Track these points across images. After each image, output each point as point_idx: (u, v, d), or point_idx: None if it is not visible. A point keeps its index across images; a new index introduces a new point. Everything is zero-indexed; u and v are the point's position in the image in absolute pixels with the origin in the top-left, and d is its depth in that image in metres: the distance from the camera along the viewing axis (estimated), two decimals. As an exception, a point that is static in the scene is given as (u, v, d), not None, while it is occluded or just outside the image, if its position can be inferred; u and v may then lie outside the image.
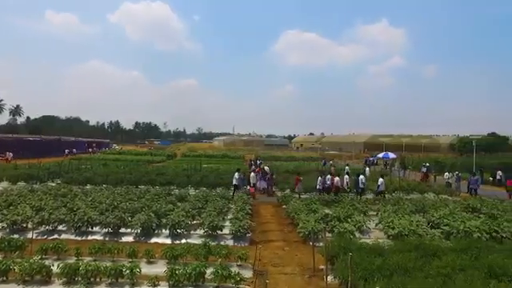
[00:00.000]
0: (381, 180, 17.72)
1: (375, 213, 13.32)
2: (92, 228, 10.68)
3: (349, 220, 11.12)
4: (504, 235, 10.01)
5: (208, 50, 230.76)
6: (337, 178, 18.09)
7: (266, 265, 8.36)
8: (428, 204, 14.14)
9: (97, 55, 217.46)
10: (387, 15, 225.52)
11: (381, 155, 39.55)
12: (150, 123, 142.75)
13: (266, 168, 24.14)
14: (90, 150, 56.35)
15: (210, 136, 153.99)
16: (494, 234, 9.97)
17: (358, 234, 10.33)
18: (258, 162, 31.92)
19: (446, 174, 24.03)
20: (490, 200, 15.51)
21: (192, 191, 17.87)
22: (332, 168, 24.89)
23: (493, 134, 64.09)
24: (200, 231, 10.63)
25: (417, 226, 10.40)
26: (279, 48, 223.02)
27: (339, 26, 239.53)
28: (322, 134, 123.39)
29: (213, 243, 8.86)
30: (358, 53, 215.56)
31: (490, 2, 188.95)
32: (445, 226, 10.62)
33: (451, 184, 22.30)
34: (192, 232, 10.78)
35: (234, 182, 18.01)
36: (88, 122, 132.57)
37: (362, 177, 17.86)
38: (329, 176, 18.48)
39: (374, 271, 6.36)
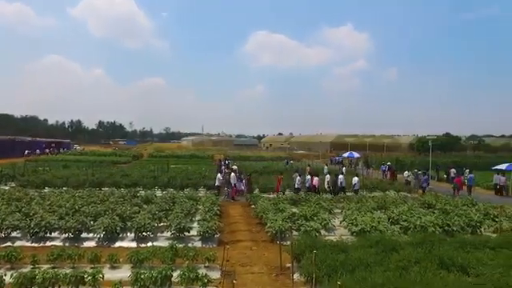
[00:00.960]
0: (356, 179, 18.64)
1: (340, 211, 13.81)
2: (50, 234, 10.13)
3: (315, 218, 11.43)
4: (455, 228, 10.81)
5: (176, 48, 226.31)
6: (316, 178, 18.59)
7: (234, 265, 8.40)
8: (389, 201, 14.88)
9: (55, 50, 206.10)
10: (352, 20, 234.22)
11: (346, 154, 40.98)
12: (115, 122, 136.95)
13: (234, 167, 24.20)
14: (48, 150, 53.08)
15: (178, 136, 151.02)
16: (446, 227, 10.73)
17: (323, 232, 10.66)
18: (227, 161, 31.86)
19: (406, 172, 25.38)
20: (443, 196, 16.64)
21: (159, 193, 17.48)
22: (308, 167, 25.46)
23: (447, 135, 68.64)
24: (167, 233, 10.44)
25: (378, 222, 10.92)
26: (249, 48, 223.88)
27: (306, 28, 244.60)
28: (291, 134, 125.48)
29: (180, 245, 8.74)
30: (325, 55, 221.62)
31: (447, 10, 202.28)
32: (403, 221, 11.25)
33: (410, 182, 23.62)
34: (159, 235, 10.57)
35: (217, 183, 17.99)
36: (46, 121, 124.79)
37: (341, 176, 18.64)
38: (308, 176, 18.93)
39: (337, 267, 6.63)
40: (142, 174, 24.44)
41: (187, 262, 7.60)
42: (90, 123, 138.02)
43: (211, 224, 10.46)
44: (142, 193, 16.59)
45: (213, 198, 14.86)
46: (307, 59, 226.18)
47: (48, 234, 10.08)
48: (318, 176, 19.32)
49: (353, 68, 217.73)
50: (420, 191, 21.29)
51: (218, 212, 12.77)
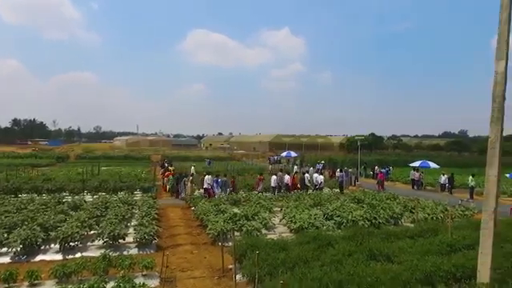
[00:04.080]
0: (321, 177, 20.10)
1: (279, 209, 14.23)
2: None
3: (256, 218, 11.60)
4: (380, 221, 11.91)
5: (109, 42, 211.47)
6: (287, 177, 19.70)
7: (174, 271, 8.09)
8: (324, 198, 15.79)
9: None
10: (289, 24, 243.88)
11: (284, 154, 42.41)
12: (35, 120, 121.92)
13: (192, 169, 24.00)
14: None
15: (110, 135, 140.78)
16: (373, 220, 11.76)
17: (264, 231, 10.86)
18: (165, 162, 30.66)
19: (338, 170, 27.22)
20: (370, 191, 18.24)
21: (89, 198, 16.09)
22: (271, 166, 26.16)
23: (372, 135, 75.32)
24: (99, 242, 9.62)
25: (315, 219, 11.51)
26: (187, 46, 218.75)
27: (247, 29, 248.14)
28: (231, 133, 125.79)
29: (114, 254, 8.13)
30: (264, 56, 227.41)
31: (374, 21, 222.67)
32: (337, 217, 12.03)
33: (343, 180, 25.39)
34: (89, 244, 9.69)
35: (205, 186, 17.41)
36: None
37: (315, 175, 20.40)
38: (287, 176, 19.89)
39: (278, 265, 6.79)
40: (69, 177, 22.27)
41: (122, 271, 7.09)
42: (3, 121, 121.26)
43: (149, 229, 9.93)
44: (69, 199, 15.09)
45: (150, 202, 14.14)
46: (247, 60, 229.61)
47: None
48: (289, 175, 20.57)
49: (290, 70, 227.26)
50: (351, 187, 23.03)
51: (156, 216, 12.19)
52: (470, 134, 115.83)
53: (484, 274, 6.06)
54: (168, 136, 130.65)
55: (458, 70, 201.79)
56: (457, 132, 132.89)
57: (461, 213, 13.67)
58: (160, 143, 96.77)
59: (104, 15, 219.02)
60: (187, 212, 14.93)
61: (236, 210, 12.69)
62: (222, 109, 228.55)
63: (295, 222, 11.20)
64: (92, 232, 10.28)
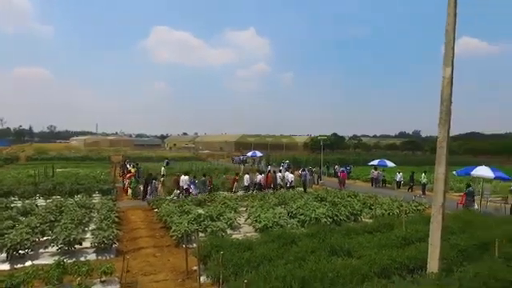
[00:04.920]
0: (292, 176, 21.01)
1: (245, 209, 14.27)
2: None
3: (221, 218, 11.54)
4: (341, 218, 12.37)
5: (66, 37, 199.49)
6: (259, 176, 20.43)
7: (135, 275, 7.81)
8: (288, 197, 16.07)
9: None
10: (255, 24, 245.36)
11: (250, 154, 42.58)
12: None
13: (162, 169, 23.43)
14: None
15: (65, 135, 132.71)
16: (335, 218, 12.18)
17: (229, 231, 10.83)
18: (127, 163, 29.49)
19: (301, 170, 27.85)
20: (332, 190, 18.88)
21: (42, 202, 15.05)
22: (244, 166, 26.27)
23: (334, 135, 78.10)
24: (53, 248, 9.03)
25: (279, 217, 11.69)
26: (150, 44, 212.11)
27: (212, 28, 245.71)
28: (196, 133, 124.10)
29: (70, 261, 7.68)
30: (229, 56, 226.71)
31: (335, 25, 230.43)
32: (301, 215, 12.30)
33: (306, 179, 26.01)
34: (41, 251, 9.07)
35: (185, 187, 17.67)
36: None
37: (286, 174, 21.44)
38: (260, 175, 20.57)
39: (243, 265, 6.81)
40: (18, 180, 20.63)
41: (79, 278, 6.71)
42: None
43: (108, 233, 9.49)
44: (19, 203, 14.01)
45: (110, 204, 13.52)
46: (212, 59, 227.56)
47: None
48: (261, 174, 21.30)
49: (255, 70, 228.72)
50: (315, 186, 23.66)
51: (116, 219, 11.69)
52: (423, 134, 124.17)
53: (433, 264, 6.53)
54: (130, 136, 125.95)
55: (412, 73, 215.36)
56: (411, 132, 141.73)
57: (414, 208, 14.59)
58: (121, 143, 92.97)
59: (61, 6, 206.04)
60: (149, 214, 14.48)
61: (200, 211, 12.53)
62: (186, 108, 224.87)
63: (260, 222, 11.29)
64: (45, 238, 9.63)
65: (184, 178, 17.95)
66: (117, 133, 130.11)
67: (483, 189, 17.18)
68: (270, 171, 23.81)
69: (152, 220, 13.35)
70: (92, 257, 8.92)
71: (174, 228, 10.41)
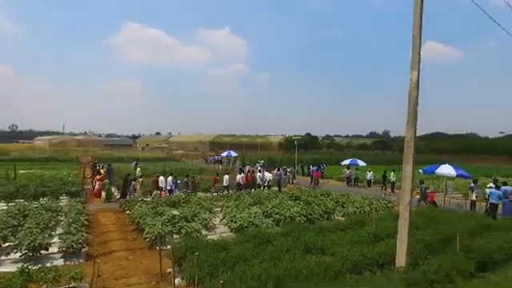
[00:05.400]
0: (269, 175, 21.62)
1: (220, 209, 14.21)
2: None
3: (196, 219, 11.43)
4: (315, 216, 12.64)
5: (30, 31, 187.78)
6: (239, 176, 20.65)
7: (106, 280, 7.56)
8: (263, 196, 16.17)
9: None
10: (230, 23, 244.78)
11: (225, 154, 42.40)
12: None
13: (138, 170, 22.88)
14: None
15: (29, 135, 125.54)
16: (309, 216, 12.43)
17: (204, 232, 10.76)
18: (97, 165, 28.45)
19: (276, 169, 28.12)
20: (306, 189, 19.23)
21: (3, 206, 14.21)
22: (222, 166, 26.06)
23: (308, 135, 79.45)
24: (16, 255, 8.54)
25: (254, 217, 11.75)
26: (121, 41, 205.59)
27: (185, 26, 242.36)
28: (170, 133, 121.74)
29: (35, 267, 7.32)
30: (203, 55, 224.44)
31: (313, 27, 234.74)
32: (276, 214, 12.44)
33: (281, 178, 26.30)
34: (3, 258, 8.56)
35: (169, 187, 17.69)
36: None
37: (267, 174, 22.09)
38: (240, 175, 20.78)
39: (218, 265, 6.80)
40: (-24, 183, 19.28)
41: (45, 285, 6.42)
42: None
43: (77, 237, 9.13)
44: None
45: (79, 207, 12.99)
46: (186, 58, 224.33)
47: None
48: (241, 174, 21.58)
49: (230, 70, 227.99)
50: (289, 185, 23.96)
51: (85, 222, 11.26)
52: (392, 134, 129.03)
53: (401, 258, 6.85)
54: (99, 136, 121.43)
55: (383, 75, 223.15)
56: (381, 132, 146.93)
57: (384, 206, 15.17)
58: (90, 143, 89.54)
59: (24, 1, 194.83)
60: (121, 216, 14.06)
61: (175, 212, 12.31)
62: (159, 108, 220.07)
63: (235, 222, 11.30)
64: (7, 244, 9.08)
65: (168, 179, 18.03)
66: (85, 132, 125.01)
67: (446, 186, 18.17)
68: (249, 171, 24.01)
69: (124, 222, 12.97)
70: (59, 262, 8.54)
71: (147, 230, 10.19)
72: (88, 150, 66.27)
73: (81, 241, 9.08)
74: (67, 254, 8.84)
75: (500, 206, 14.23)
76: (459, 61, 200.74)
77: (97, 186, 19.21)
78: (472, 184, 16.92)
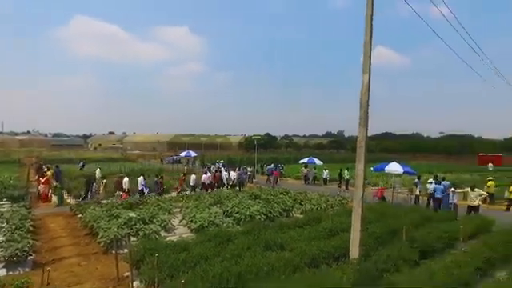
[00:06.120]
0: (234, 174, 21.71)
1: (179, 210, 13.97)
2: None
3: (154, 220, 11.14)
4: (275, 214, 12.94)
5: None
6: (204, 176, 20.61)
7: (57, 287, 7.12)
8: (223, 196, 16.18)
9: None
10: (189, 21, 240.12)
11: (183, 154, 41.57)
12: None
13: (98, 171, 21.61)
14: None
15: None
16: (269, 214, 12.69)
17: (163, 233, 10.53)
18: (43, 167, 26.40)
19: (237, 169, 28.22)
20: (266, 188, 19.58)
21: None
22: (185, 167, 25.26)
23: (267, 134, 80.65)
24: None
25: (215, 217, 11.74)
26: (70, 34, 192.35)
27: (141, 22, 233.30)
28: (124, 133, 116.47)
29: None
30: (161, 53, 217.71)
31: (269, 27, 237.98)
32: (236, 213, 12.53)
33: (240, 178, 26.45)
34: None
35: (140, 187, 17.58)
36: None
37: (232, 173, 22.31)
38: (207, 175, 20.78)
39: (179, 266, 6.73)
40: None
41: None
42: None
43: (22, 244, 8.47)
44: None
45: (23, 212, 12.00)
46: (142, 55, 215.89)
47: None
48: (207, 174, 21.57)
49: (189, 69, 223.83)
50: (249, 185, 24.18)
51: (31, 228, 10.46)
52: (346, 134, 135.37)
53: (354, 251, 7.30)
54: (45, 135, 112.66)
55: (339, 76, 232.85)
56: (336, 132, 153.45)
57: (339, 202, 15.95)
58: (34, 143, 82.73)
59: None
60: (72, 221, 13.23)
61: (131, 214, 11.87)
62: (113, 106, 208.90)
63: (195, 222, 11.20)
64: None
65: (139, 179, 18.02)
66: (29, 132, 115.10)
67: (394, 182, 19.58)
68: (216, 171, 23.94)
69: (75, 227, 12.23)
70: (2, 272, 7.86)
71: (101, 234, 9.72)
72: (32, 150, 61.14)
73: (26, 248, 8.44)
74: (10, 262, 8.15)
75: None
76: (405, 66, 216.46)
77: (42, 189, 17.82)
78: (416, 180, 18.44)
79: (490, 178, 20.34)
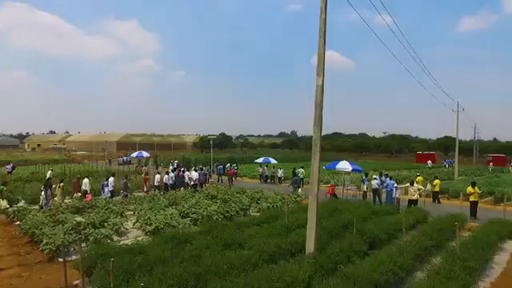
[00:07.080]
0: (196, 174, 21.62)
1: (132, 212, 13.40)
2: None
3: (105, 224, 10.56)
4: (232, 213, 12.98)
5: None
6: (166, 176, 20.22)
7: (-6, 303, 6.46)
8: (179, 197, 15.82)
9: None
10: (138, 16, 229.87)
11: (135, 154, 39.81)
12: None
13: (49, 173, 20.71)
14: None
15: None
16: (226, 214, 12.70)
17: (116, 237, 10.05)
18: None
19: (193, 169, 27.76)
20: (222, 187, 19.54)
21: None
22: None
23: (222, 134, 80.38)
24: None
25: (171, 218, 11.46)
26: (2, 23, 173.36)
27: (87, 13, 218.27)
28: (67, 132, 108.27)
29: None
30: (109, 48, 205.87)
31: (224, 26, 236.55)
32: (193, 214, 12.35)
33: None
34: None
35: (111, 189, 17.05)
36: None
37: (194, 173, 21.96)
38: (169, 175, 20.29)
39: (135, 270, 6.48)
40: None
41: None
42: None
43: (-51, 257, 7.52)
44: None
45: None
46: (88, 49, 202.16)
47: None
48: (169, 174, 20.96)
49: (140, 65, 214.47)
50: (207, 185, 23.95)
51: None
52: (299, 134, 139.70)
53: (310, 245, 7.63)
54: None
55: (292, 76, 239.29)
56: (289, 132, 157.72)
57: (294, 200, 16.47)
58: (-42, 144, 73.41)
59: None
60: (9, 228, 12.05)
61: (79, 219, 11.13)
62: (55, 104, 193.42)
63: (151, 224, 10.83)
64: None
65: (109, 180, 17.44)
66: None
67: (344, 179, 20.74)
68: (180, 171, 23.28)
69: (14, 235, 11.16)
70: None
71: (45, 241, 8.97)
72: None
73: (-45, 261, 7.52)
74: None
75: (384, 195, 16.95)
76: (352, 69, 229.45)
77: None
78: (363, 177, 19.70)
79: (418, 173, 22.73)
